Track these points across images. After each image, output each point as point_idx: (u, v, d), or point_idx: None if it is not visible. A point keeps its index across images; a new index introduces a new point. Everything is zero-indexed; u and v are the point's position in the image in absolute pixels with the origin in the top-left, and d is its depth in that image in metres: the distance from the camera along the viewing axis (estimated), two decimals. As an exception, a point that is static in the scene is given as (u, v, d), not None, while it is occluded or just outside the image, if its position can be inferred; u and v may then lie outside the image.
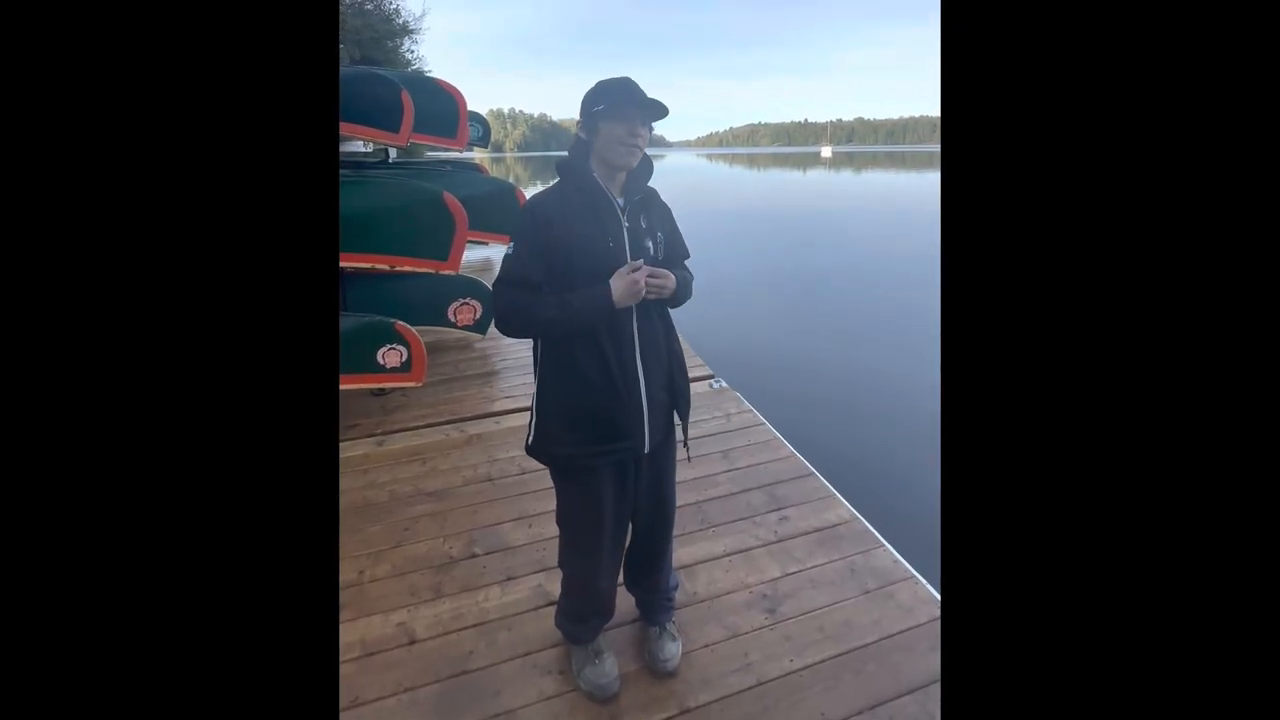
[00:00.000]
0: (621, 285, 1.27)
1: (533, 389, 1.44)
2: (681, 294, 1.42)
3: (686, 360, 1.50)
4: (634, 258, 1.34)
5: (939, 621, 1.79)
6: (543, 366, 1.40)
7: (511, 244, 1.31)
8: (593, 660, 1.59)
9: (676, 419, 1.51)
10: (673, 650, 1.65)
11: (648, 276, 1.28)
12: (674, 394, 1.47)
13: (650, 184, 1.44)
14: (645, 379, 1.38)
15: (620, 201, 1.36)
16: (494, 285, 1.33)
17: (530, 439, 1.44)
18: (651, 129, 1.34)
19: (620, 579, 1.67)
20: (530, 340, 1.41)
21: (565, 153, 1.39)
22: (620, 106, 1.27)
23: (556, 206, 1.32)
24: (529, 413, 1.45)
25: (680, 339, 1.51)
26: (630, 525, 1.57)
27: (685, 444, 1.53)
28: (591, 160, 1.34)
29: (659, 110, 1.29)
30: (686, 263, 1.53)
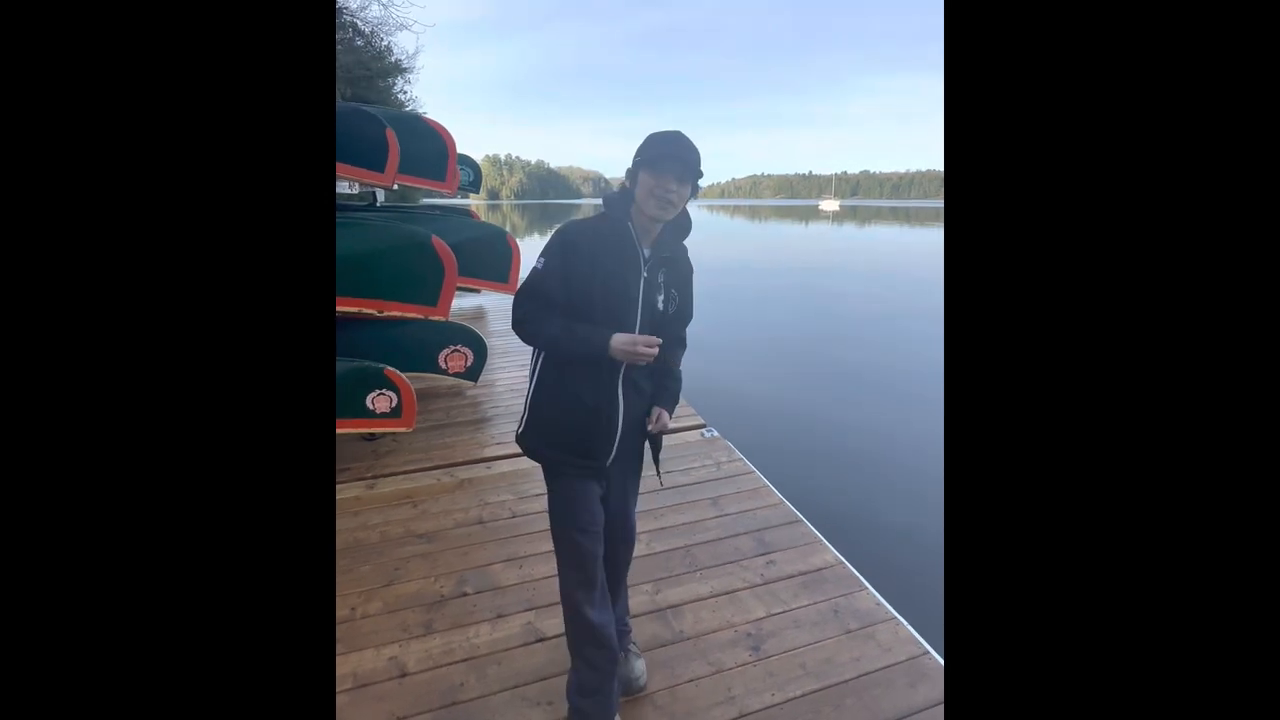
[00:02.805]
0: (623, 342, 1.32)
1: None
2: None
3: (679, 410, 1.56)
4: (645, 310, 1.41)
5: (917, 659, 1.85)
6: (539, 369, 1.47)
7: (541, 258, 1.39)
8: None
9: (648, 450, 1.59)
10: (640, 667, 1.74)
11: (647, 347, 1.33)
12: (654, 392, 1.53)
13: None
14: (624, 405, 1.44)
15: (646, 253, 1.42)
16: (516, 290, 1.42)
17: (520, 429, 1.52)
18: (695, 189, 1.39)
19: None
20: (532, 346, 1.48)
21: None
22: (657, 160, 1.33)
23: (588, 237, 1.38)
24: (523, 401, 1.51)
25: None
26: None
27: (657, 462, 1.60)
28: (632, 207, 1.39)
29: (692, 171, 1.34)
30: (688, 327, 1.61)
